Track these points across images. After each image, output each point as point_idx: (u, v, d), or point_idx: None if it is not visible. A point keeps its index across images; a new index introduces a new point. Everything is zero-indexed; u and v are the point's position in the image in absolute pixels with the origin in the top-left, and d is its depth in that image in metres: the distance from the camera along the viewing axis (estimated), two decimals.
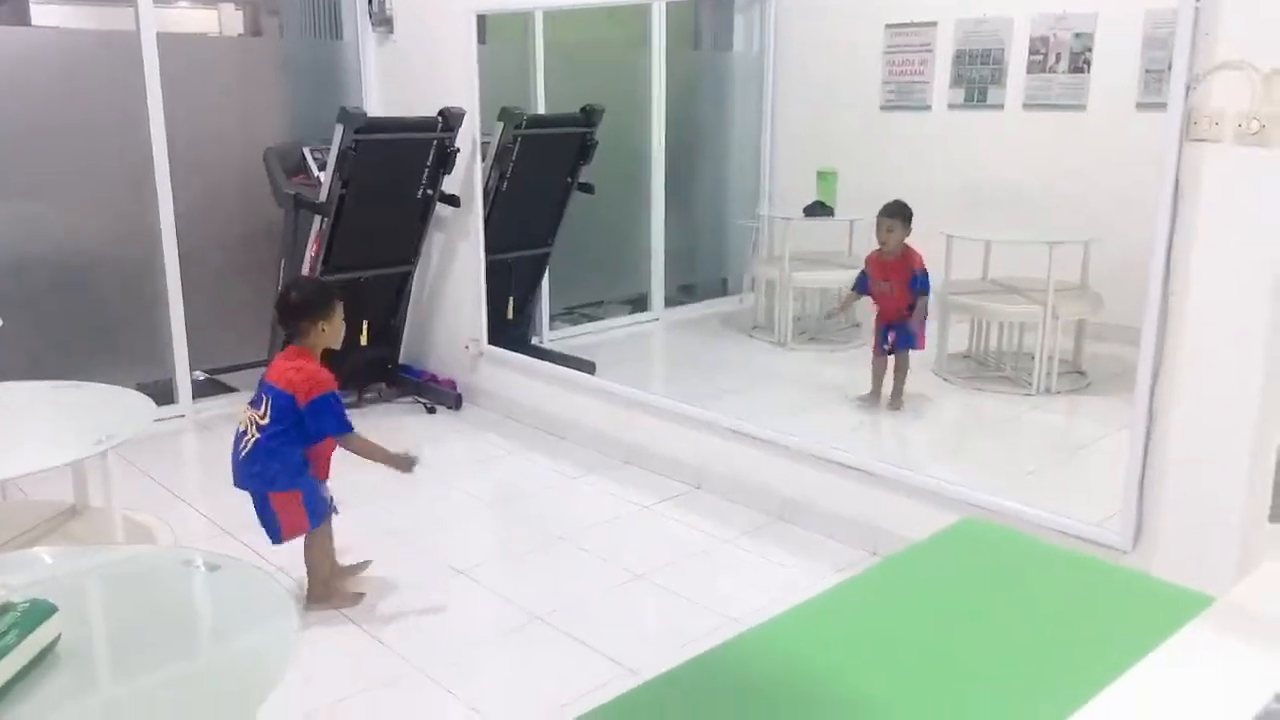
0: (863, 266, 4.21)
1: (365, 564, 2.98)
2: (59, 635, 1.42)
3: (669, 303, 5.82)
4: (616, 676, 2.45)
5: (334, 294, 2.69)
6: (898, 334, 4.13)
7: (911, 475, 3.03)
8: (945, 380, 4.59)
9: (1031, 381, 4.37)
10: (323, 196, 4.15)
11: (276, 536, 2.67)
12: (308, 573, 2.78)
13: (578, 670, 2.50)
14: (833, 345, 5.20)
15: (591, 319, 5.67)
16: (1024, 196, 5.05)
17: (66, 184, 4.11)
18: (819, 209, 5.22)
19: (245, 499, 2.70)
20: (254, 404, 2.64)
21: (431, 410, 4.51)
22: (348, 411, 2.68)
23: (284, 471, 2.61)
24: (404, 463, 2.69)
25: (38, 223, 4.06)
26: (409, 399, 4.63)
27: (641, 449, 3.84)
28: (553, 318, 5.28)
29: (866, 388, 4.25)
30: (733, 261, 6.26)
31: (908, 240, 4.08)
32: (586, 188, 4.85)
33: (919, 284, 4.08)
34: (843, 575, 2.96)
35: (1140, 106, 4.78)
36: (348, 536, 3.17)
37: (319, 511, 2.70)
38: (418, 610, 2.80)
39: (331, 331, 2.65)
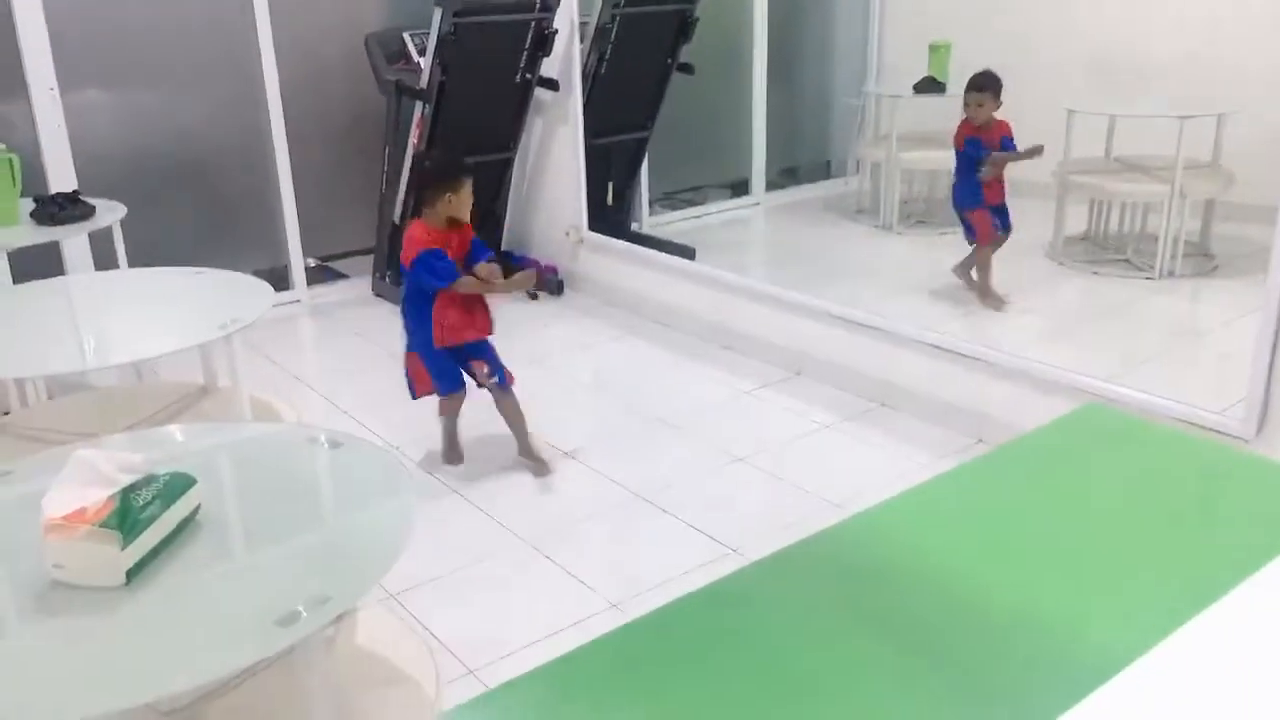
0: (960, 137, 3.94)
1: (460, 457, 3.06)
2: (199, 505, 1.51)
3: (770, 186, 5.70)
4: (719, 556, 2.50)
5: (464, 167, 2.77)
6: (998, 217, 3.94)
7: (1021, 361, 2.95)
8: (1060, 264, 4.42)
9: (1154, 264, 4.18)
10: (423, 83, 4.15)
11: (411, 393, 2.93)
12: (443, 425, 3.01)
13: (681, 548, 2.56)
14: (941, 229, 5.03)
15: (691, 204, 5.60)
16: (1153, 68, 4.73)
17: (178, 77, 4.20)
18: (930, 85, 4.99)
19: (361, 381, 2.81)
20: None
21: (534, 296, 4.57)
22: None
23: (415, 332, 2.85)
24: (524, 281, 2.90)
25: (154, 116, 4.18)
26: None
27: (742, 334, 3.83)
28: (652, 203, 5.24)
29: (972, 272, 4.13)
30: (837, 143, 6.07)
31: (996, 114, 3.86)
32: (687, 68, 4.72)
33: (1006, 147, 3.84)
34: (948, 463, 2.94)
35: None
36: (462, 412, 3.27)
37: (446, 379, 2.89)
38: (526, 488, 2.90)
39: (458, 203, 2.75)
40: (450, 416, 3.02)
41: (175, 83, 4.20)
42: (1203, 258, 4.29)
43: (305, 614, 1.28)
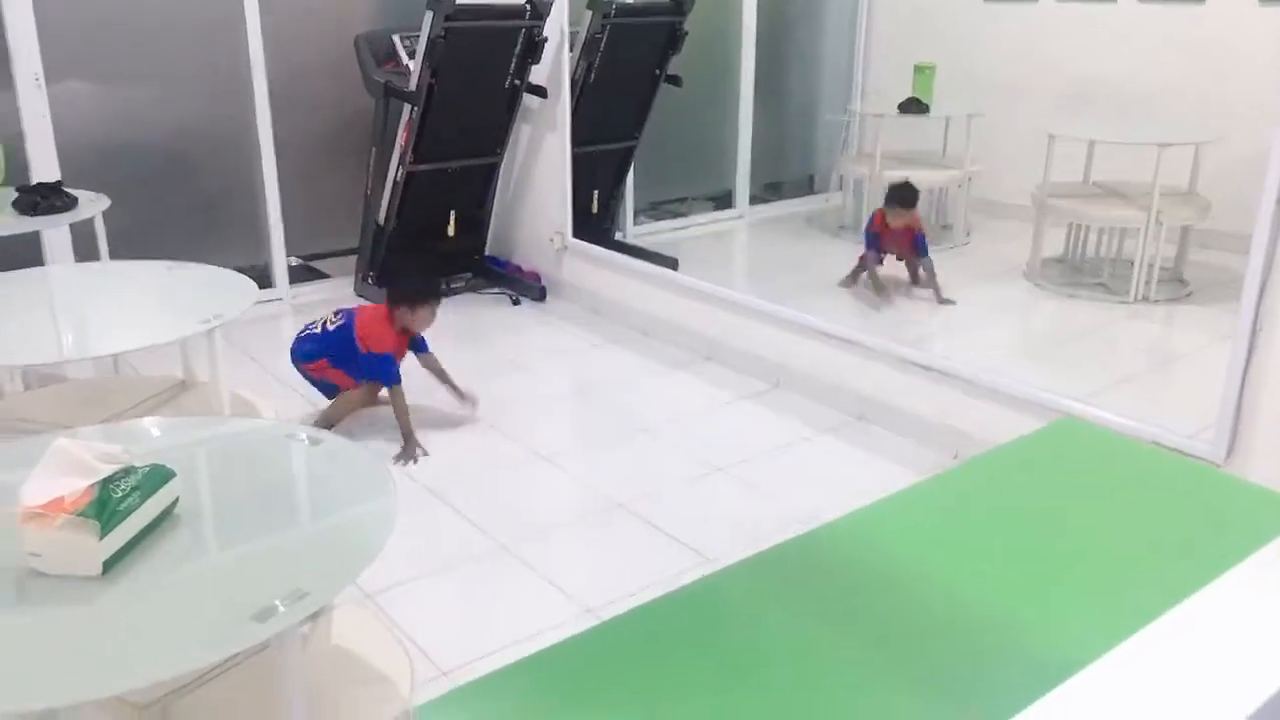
0: (868, 227, 4.42)
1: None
2: (177, 498, 1.51)
3: (754, 200, 5.74)
4: (695, 564, 2.51)
5: (429, 293, 3.20)
6: (913, 247, 4.36)
7: (998, 379, 2.99)
8: (1038, 285, 4.48)
9: (1129, 289, 4.24)
10: (412, 85, 4.16)
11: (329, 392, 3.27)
12: (331, 405, 3.25)
13: (657, 556, 2.57)
14: None
15: (675, 215, 5.63)
16: (1133, 96, 4.81)
17: (166, 70, 4.18)
18: (914, 106, 5.05)
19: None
20: (336, 313, 3.24)
21: (516, 302, 4.58)
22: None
23: (320, 350, 3.22)
24: (410, 450, 3.07)
25: (140, 109, 4.16)
26: (494, 290, 4.70)
27: (723, 345, 3.86)
28: (636, 213, 5.26)
29: (955, 293, 4.19)
30: (821, 159, 6.12)
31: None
32: (675, 80, 4.76)
33: (922, 245, 4.32)
34: (924, 477, 2.97)
35: (1264, 0, 4.48)
36: (438, 417, 3.28)
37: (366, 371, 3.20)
38: (503, 493, 2.90)
39: (413, 320, 3.16)
40: (353, 406, 3.27)
41: (162, 76, 4.18)
42: (1177, 283, 4.36)
43: (282, 609, 1.28)
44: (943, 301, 4.27)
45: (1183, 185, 4.31)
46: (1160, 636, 0.64)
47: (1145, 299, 4.22)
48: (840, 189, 5.76)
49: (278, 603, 1.29)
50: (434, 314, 3.21)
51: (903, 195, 4.31)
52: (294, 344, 3.27)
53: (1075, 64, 5.01)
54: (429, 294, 3.21)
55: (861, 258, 4.41)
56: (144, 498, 1.44)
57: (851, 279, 4.42)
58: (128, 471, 1.45)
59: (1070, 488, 1.07)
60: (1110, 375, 3.55)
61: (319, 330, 3.22)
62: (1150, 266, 4.18)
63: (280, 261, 4.47)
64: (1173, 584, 0.81)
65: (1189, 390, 3.39)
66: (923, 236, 4.37)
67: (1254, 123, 2.49)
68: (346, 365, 3.18)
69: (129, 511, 1.41)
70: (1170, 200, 4.17)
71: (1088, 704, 0.59)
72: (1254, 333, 2.40)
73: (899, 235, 4.35)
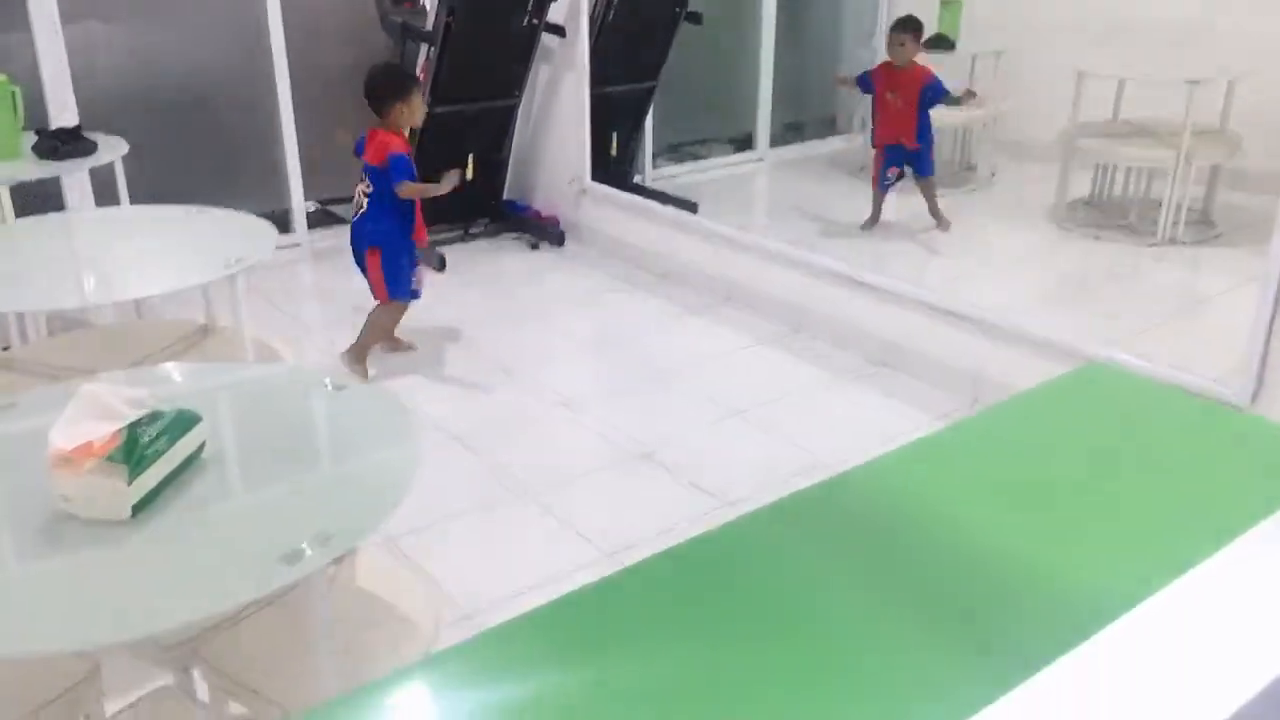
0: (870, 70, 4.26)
1: (411, 348, 3.39)
2: (204, 442, 1.52)
3: (775, 141, 5.66)
4: (715, 508, 2.53)
5: (411, 77, 3.13)
6: (913, 163, 4.17)
7: (1021, 323, 2.96)
8: (1063, 228, 4.42)
9: (1156, 231, 4.17)
10: (429, 25, 4.10)
11: (376, 295, 3.18)
12: (362, 329, 3.21)
13: (677, 500, 2.58)
14: (943, 190, 5.01)
15: (695, 158, 5.57)
16: (1165, 31, 4.68)
17: (182, 13, 4.14)
18: (940, 42, 4.94)
19: (357, 328, 2.81)
20: (360, 181, 3.14)
21: (535, 246, 4.56)
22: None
23: (385, 229, 3.11)
24: (451, 180, 3.04)
25: (156, 52, 4.13)
26: (513, 234, 4.68)
27: (742, 289, 3.83)
28: (655, 155, 5.20)
29: (978, 235, 4.13)
30: (843, 98, 6.01)
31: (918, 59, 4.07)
32: (695, 18, 4.67)
33: (932, 94, 4.03)
34: (945, 423, 2.96)
35: None
36: (460, 364, 3.29)
37: (398, 285, 3.15)
38: (525, 438, 2.92)
39: (409, 111, 3.08)
40: (385, 326, 3.25)
41: (178, 19, 4.14)
42: (1205, 224, 4.29)
43: (309, 551, 1.30)
44: (941, 226, 4.19)
45: (1214, 124, 4.22)
46: (1197, 585, 0.64)
47: (1173, 241, 4.15)
48: (862, 129, 5.67)
49: (304, 545, 1.30)
50: (422, 101, 3.20)
51: (905, 20, 4.05)
52: (351, 235, 3.21)
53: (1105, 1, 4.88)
54: (408, 78, 3.21)
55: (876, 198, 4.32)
56: (171, 442, 1.46)
57: (872, 221, 4.36)
58: (155, 416, 1.46)
59: (1099, 433, 1.06)
60: (1136, 319, 3.51)
61: (364, 201, 3.12)
62: (1178, 208, 4.11)
63: (299, 206, 4.46)
64: (1205, 533, 0.80)
65: (1215, 334, 3.35)
66: (935, 84, 4.01)
67: None
68: (390, 211, 3.08)
69: (156, 456, 1.43)
70: (1201, 139, 4.09)
71: (1123, 654, 0.59)
72: None
73: (902, 77, 4.05)
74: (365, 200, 3.12)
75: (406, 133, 3.16)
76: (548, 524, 2.50)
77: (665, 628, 0.82)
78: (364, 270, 3.19)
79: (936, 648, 0.79)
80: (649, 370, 3.34)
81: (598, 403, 3.13)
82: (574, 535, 2.45)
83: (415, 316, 3.34)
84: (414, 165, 3.08)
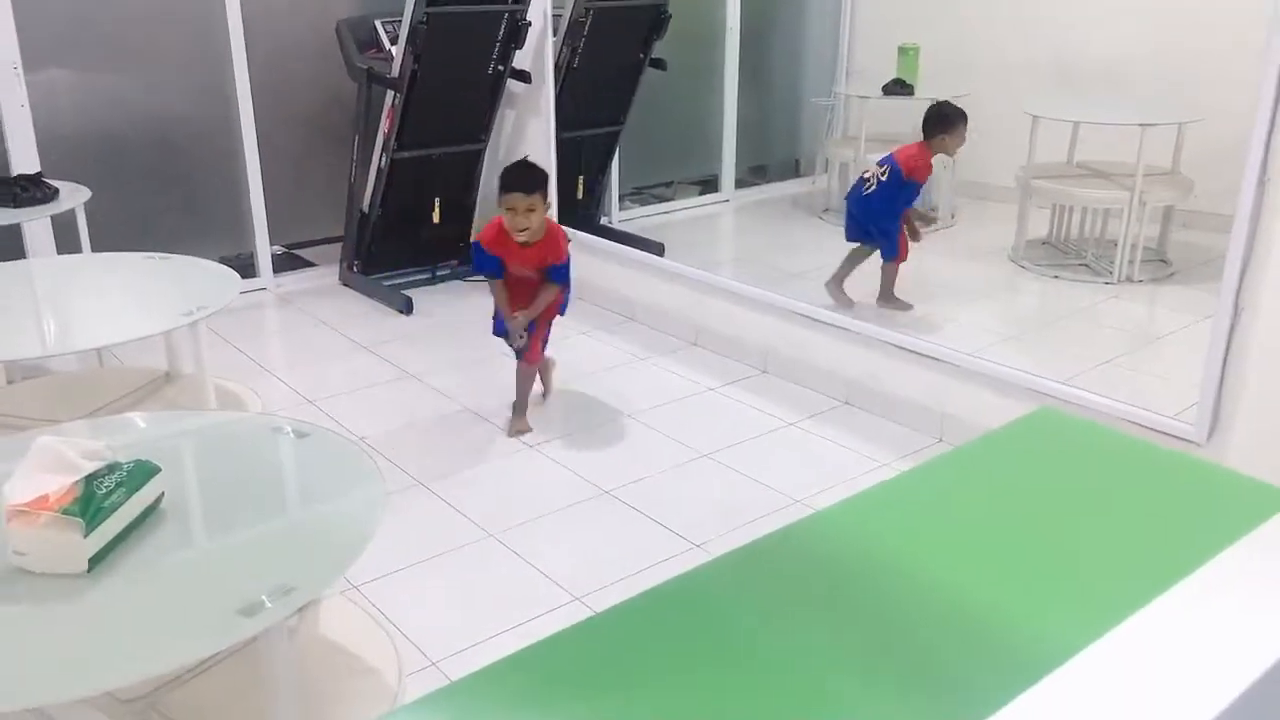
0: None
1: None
2: (163, 493, 1.51)
3: (739, 184, 5.73)
4: (683, 550, 2.53)
5: (513, 181, 2.98)
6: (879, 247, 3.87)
7: (982, 362, 3.01)
8: (1022, 267, 4.49)
9: (1113, 270, 4.26)
10: (394, 71, 4.13)
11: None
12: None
13: (645, 543, 2.58)
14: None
15: (661, 200, 5.62)
16: (1117, 75, 4.81)
17: (145, 58, 4.15)
18: (899, 87, 5.04)
19: (328, 370, 2.78)
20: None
21: None
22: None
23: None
24: (522, 322, 3.15)
25: (120, 97, 4.12)
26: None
27: (709, 331, 3.86)
28: (622, 198, 5.25)
29: (941, 276, 4.19)
30: (806, 142, 6.12)
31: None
32: (659, 64, 4.74)
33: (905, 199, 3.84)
34: (909, 461, 2.99)
35: None
36: (428, 404, 3.28)
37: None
38: (490, 480, 2.91)
39: (508, 217, 3.00)
40: (522, 380, 3.27)
41: (142, 64, 4.14)
42: (1160, 263, 4.38)
43: (269, 604, 1.28)
44: (895, 306, 3.86)
45: (1166, 165, 4.33)
46: (1144, 627, 0.65)
47: (1129, 279, 4.24)
48: (825, 172, 5.75)
49: (264, 598, 1.29)
50: (524, 207, 2.99)
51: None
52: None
53: (1059, 44, 5.01)
54: (511, 178, 3.02)
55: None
56: (129, 494, 1.44)
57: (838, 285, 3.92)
58: (112, 468, 1.45)
59: (1051, 478, 1.08)
60: (1094, 356, 3.56)
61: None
62: (1134, 247, 4.20)
63: (264, 250, 4.44)
64: (1155, 574, 0.82)
65: (1172, 370, 3.41)
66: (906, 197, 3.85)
67: (1236, 103, 2.50)
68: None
69: (114, 508, 1.41)
70: (1153, 181, 4.19)
71: (1073, 696, 0.60)
72: (1235, 313, 2.42)
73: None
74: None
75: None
76: (514, 566, 2.49)
77: (638, 673, 0.82)
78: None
79: (898, 694, 0.79)
80: (615, 411, 3.34)
81: (564, 443, 3.13)
82: (541, 578, 2.43)
83: (375, 357, 3.32)
84: (487, 255, 3.16)
